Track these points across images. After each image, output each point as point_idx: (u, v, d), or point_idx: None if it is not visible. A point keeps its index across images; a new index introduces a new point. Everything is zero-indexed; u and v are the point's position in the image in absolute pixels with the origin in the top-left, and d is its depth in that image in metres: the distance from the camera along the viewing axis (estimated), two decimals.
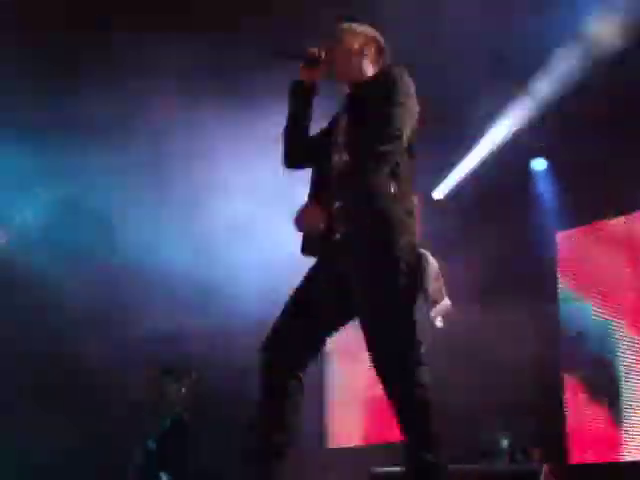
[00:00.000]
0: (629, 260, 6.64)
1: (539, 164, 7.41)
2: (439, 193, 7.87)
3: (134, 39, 5.94)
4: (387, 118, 2.83)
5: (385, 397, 2.77)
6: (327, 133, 3.19)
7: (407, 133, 2.88)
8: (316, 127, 3.25)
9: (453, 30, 5.74)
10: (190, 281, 7.21)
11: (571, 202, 6.98)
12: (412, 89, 2.99)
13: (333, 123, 3.19)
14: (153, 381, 6.32)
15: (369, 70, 3.20)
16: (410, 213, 2.87)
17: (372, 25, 3.28)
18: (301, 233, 2.95)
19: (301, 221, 2.83)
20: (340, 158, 2.98)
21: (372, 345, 2.76)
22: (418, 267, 2.79)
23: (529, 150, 7.28)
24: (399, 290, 2.75)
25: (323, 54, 3.16)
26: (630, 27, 5.66)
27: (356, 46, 3.18)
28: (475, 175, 7.43)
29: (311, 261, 3.00)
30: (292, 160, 3.25)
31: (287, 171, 3.26)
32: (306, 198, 3.02)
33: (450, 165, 7.61)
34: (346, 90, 3.21)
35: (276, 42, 3.30)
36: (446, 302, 2.83)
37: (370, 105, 2.95)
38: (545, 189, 7.35)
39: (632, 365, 6.50)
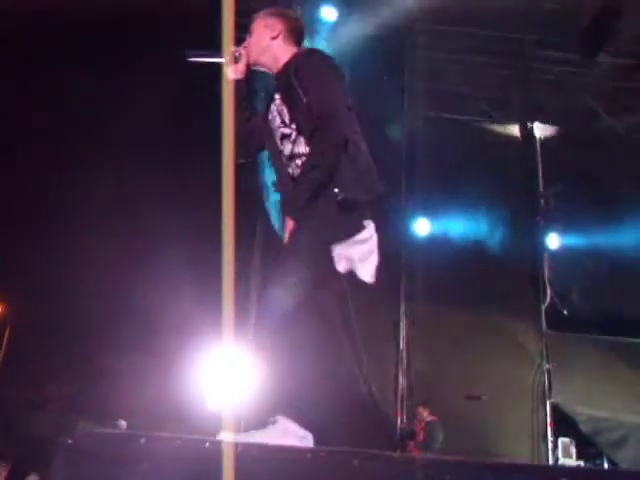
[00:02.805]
0: None
1: None
2: None
3: None
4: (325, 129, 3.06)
5: None
6: (264, 118, 3.39)
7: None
8: None
9: None
10: None
11: None
12: (332, 71, 3.23)
13: (267, 108, 3.38)
14: None
15: (284, 52, 3.37)
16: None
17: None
18: None
19: None
20: (294, 148, 3.20)
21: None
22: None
23: None
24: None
25: (239, 49, 3.38)
26: None
27: (263, 31, 3.37)
28: None
29: None
30: (244, 152, 3.42)
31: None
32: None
33: None
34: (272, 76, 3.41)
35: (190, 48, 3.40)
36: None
37: (301, 89, 3.14)
38: None
39: None
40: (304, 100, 3.16)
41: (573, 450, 8.89)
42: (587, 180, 10.47)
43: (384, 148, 9.76)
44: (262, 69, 3.46)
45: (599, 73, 11.10)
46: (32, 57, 8.89)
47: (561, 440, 9.10)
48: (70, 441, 2.33)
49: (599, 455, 8.82)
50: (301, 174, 3.12)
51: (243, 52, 3.40)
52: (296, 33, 3.45)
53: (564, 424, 9.54)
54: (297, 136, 3.23)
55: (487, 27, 10.59)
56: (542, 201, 11.04)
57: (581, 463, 8.57)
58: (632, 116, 10.86)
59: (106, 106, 8.85)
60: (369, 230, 3.19)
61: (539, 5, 10.43)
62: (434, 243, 10.37)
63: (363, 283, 3.29)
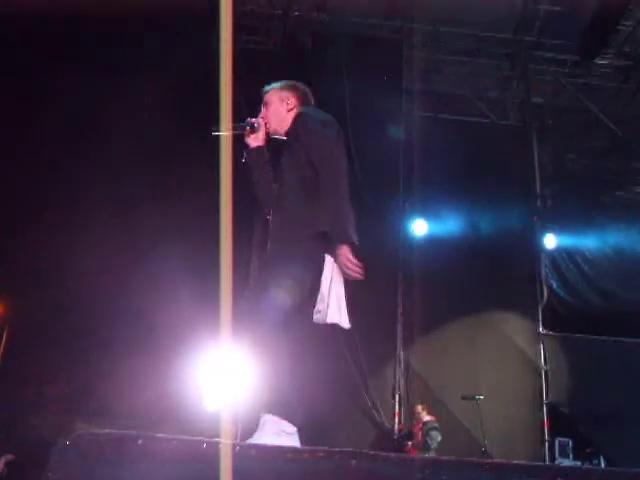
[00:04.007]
0: None
1: None
2: None
3: None
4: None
5: None
6: None
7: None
8: None
9: None
10: None
11: None
12: (315, 124, 3.56)
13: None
14: None
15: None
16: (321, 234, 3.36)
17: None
18: None
19: None
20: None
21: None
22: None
23: None
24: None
25: (258, 120, 3.78)
26: None
27: (279, 103, 3.78)
28: None
29: None
30: (268, 212, 3.70)
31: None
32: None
33: None
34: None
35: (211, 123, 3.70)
36: (324, 312, 3.29)
37: (289, 147, 3.56)
38: None
39: None
40: (288, 157, 3.60)
41: (570, 450, 8.91)
42: (584, 181, 10.47)
43: (382, 148, 9.81)
44: (279, 137, 3.82)
45: (597, 74, 11.12)
46: (31, 56, 8.89)
47: (558, 440, 9.14)
48: (67, 442, 2.33)
49: (596, 455, 8.84)
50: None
51: (261, 122, 3.79)
52: (308, 103, 3.87)
53: (561, 424, 9.57)
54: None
55: (485, 28, 10.60)
56: (539, 201, 11.05)
57: (578, 463, 8.59)
58: (630, 117, 10.88)
59: (105, 105, 8.86)
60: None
61: (537, 6, 10.45)
62: (432, 243, 10.37)
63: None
